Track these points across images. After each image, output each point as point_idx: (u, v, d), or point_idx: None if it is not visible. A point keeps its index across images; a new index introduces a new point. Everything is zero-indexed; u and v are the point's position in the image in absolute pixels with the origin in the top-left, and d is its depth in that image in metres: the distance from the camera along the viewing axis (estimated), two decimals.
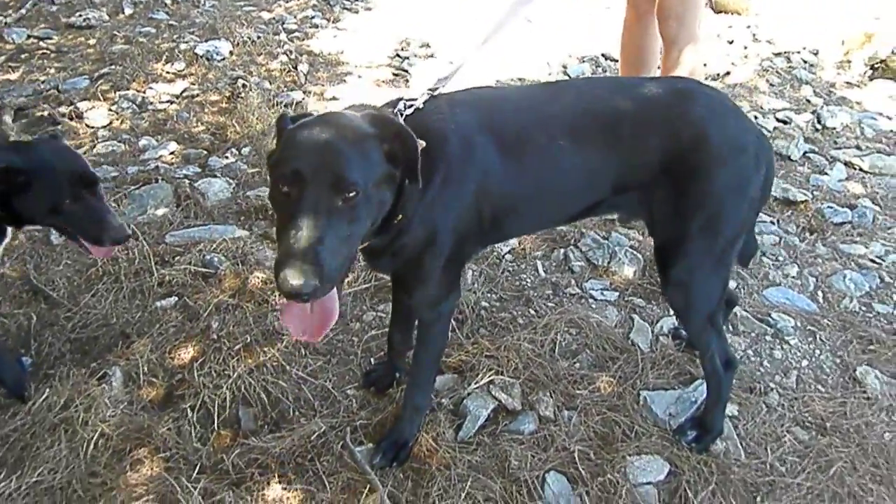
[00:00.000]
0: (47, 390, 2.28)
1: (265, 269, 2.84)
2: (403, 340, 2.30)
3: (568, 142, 1.81)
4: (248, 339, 2.51)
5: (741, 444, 2.20)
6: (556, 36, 5.50)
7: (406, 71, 4.79)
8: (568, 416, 2.26)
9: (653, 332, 2.59)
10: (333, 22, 5.60)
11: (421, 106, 1.78)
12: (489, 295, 2.75)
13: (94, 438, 2.14)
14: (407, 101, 1.78)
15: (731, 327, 2.61)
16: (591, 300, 2.73)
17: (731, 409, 2.30)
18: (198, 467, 2.09)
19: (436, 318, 1.99)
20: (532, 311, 2.66)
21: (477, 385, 2.32)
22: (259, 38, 5.10)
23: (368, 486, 2.01)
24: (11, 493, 1.99)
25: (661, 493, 2.06)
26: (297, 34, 5.28)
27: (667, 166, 1.84)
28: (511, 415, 2.26)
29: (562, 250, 2.95)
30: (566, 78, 4.71)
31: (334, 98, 4.32)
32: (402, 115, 1.74)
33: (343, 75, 4.66)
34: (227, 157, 3.70)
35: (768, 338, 2.60)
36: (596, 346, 2.51)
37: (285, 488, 2.03)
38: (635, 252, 2.91)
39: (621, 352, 2.49)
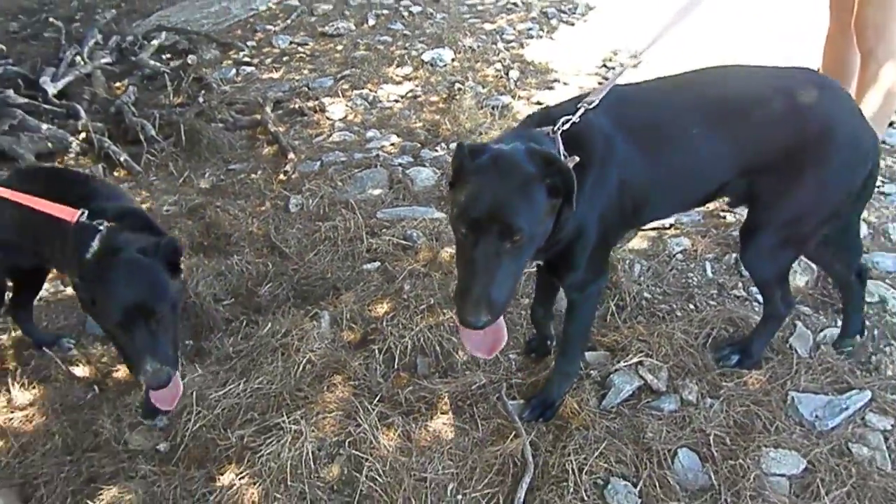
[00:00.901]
0: (271, 322, 2.85)
1: (454, 246, 3.24)
2: (545, 315, 2.58)
3: (701, 130, 1.98)
4: (432, 302, 2.90)
5: (889, 456, 2.19)
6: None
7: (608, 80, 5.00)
8: (710, 403, 2.38)
9: (814, 339, 2.60)
10: (549, 33, 5.95)
11: (577, 121, 1.93)
12: (653, 288, 2.91)
13: (303, 363, 2.66)
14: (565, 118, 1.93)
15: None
16: (754, 303, 2.79)
17: (884, 422, 2.28)
18: (378, 396, 2.51)
19: (584, 299, 2.23)
20: (692, 306, 2.78)
21: (626, 363, 2.52)
22: (479, 46, 5.59)
23: (514, 433, 2.31)
24: (239, 393, 2.55)
25: (792, 486, 2.13)
26: (513, 44, 5.69)
27: (789, 153, 1.99)
28: (654, 394, 2.43)
29: (734, 255, 3.02)
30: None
31: (539, 102, 4.65)
32: (559, 131, 1.91)
33: (550, 82, 4.98)
34: (436, 151, 4.18)
35: None
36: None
37: (445, 423, 2.39)
38: (809, 263, 2.91)
39: (777, 353, 2.55)
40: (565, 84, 4.95)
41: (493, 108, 4.58)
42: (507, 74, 5.03)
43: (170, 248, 2.13)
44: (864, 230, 3.03)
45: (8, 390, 2.69)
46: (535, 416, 2.37)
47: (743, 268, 2.81)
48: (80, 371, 2.80)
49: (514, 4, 6.44)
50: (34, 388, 2.70)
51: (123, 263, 2.06)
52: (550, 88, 4.90)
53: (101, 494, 2.24)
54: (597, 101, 1.97)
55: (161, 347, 2.04)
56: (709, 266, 3.00)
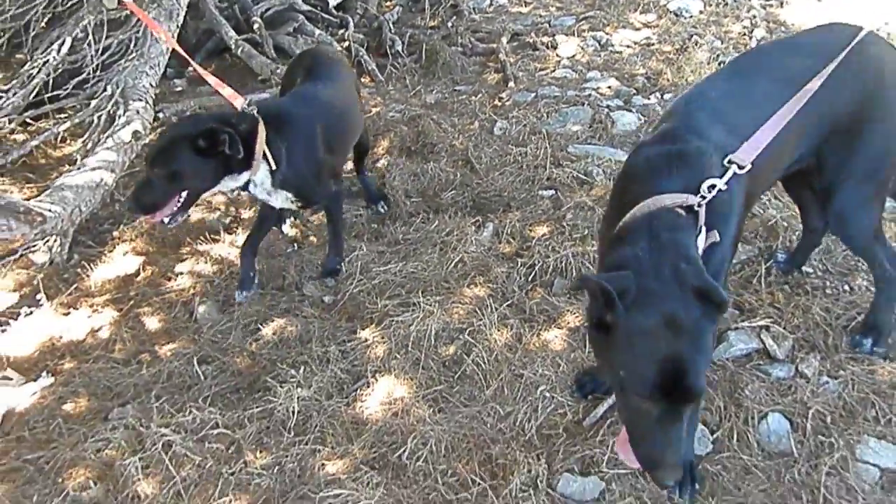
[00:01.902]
0: (439, 221, 3.22)
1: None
2: None
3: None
4: (586, 232, 3.07)
5: None
6: None
7: None
8: (825, 381, 2.31)
9: None
10: None
11: (724, 187, 1.71)
12: (816, 263, 2.79)
13: (456, 260, 3.01)
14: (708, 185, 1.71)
15: None
16: None
17: None
18: (508, 302, 2.78)
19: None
20: (847, 288, 2.64)
21: (750, 324, 2.51)
22: (734, 1, 5.33)
23: None
24: (395, 272, 2.97)
25: (883, 479, 2.05)
26: (772, 1, 5.34)
27: (854, 108, 2.02)
28: (769, 359, 2.41)
29: None
30: None
31: None
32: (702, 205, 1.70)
33: None
34: (649, 99, 4.20)
35: None
36: None
37: (556, 336, 2.61)
38: None
39: None
40: None
41: (722, 64, 4.43)
42: (751, 33, 4.78)
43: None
44: None
45: (236, 230, 3.39)
46: None
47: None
48: (288, 230, 3.41)
49: None
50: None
51: None
52: None
53: (272, 321, 2.82)
54: (748, 164, 1.76)
55: None
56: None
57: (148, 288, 3.09)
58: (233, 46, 5.26)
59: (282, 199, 2.81)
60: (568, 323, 2.66)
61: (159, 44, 3.94)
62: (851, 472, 2.06)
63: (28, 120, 4.19)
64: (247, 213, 3.56)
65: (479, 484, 2.12)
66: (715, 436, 2.20)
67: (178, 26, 4.06)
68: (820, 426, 2.18)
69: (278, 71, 4.78)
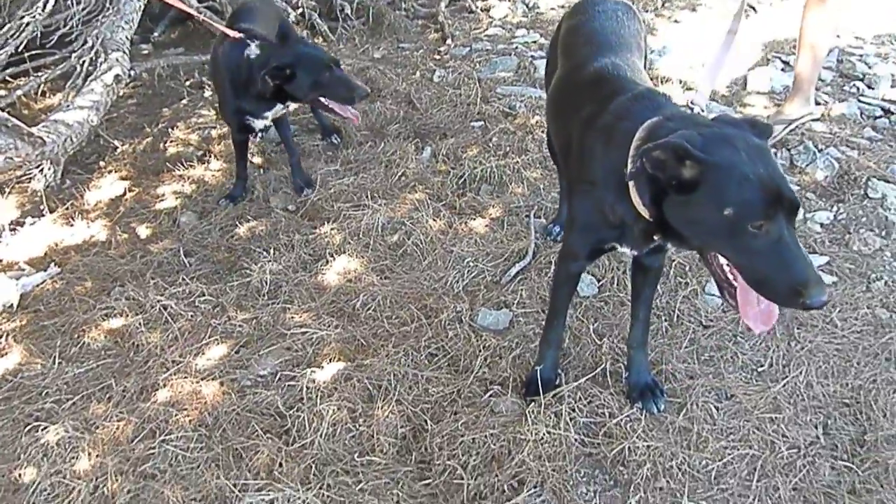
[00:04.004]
0: (384, 144, 3.79)
1: (535, 117, 3.94)
2: None
3: None
4: (508, 150, 3.67)
5: None
6: None
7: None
8: None
9: (805, 217, 3.03)
10: None
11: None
12: None
13: (399, 173, 3.58)
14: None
15: (883, 228, 2.91)
16: None
17: (827, 278, 2.73)
18: (442, 202, 3.36)
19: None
20: None
21: None
22: None
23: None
24: (349, 183, 3.53)
25: (723, 304, 2.69)
26: None
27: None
28: None
29: None
30: None
31: (678, 21, 5.08)
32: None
33: (697, 5, 5.35)
34: None
35: None
36: None
37: (481, 224, 3.21)
38: (832, 158, 3.26)
39: None
40: (709, 8, 5.29)
41: None
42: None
43: None
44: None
45: (208, 160, 3.91)
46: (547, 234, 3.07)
47: None
48: (257, 159, 3.94)
49: None
50: (226, 162, 3.89)
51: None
52: (693, 9, 5.27)
53: (246, 222, 3.36)
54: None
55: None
56: None
57: (136, 204, 3.59)
58: (195, 13, 5.74)
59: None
60: (490, 214, 3.26)
61: (132, 2, 4.41)
62: (699, 300, 2.71)
63: (7, 77, 4.64)
64: (217, 147, 4.07)
65: (416, 321, 2.71)
66: (601, 283, 2.82)
67: None
68: (679, 271, 2.83)
69: None
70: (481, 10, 5.57)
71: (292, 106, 3.43)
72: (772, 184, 1.53)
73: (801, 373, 2.40)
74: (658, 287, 2.39)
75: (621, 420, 2.25)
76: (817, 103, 3.64)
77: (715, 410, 2.29)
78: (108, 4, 4.40)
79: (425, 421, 2.31)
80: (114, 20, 4.29)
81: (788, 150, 3.41)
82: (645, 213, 1.77)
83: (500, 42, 5.03)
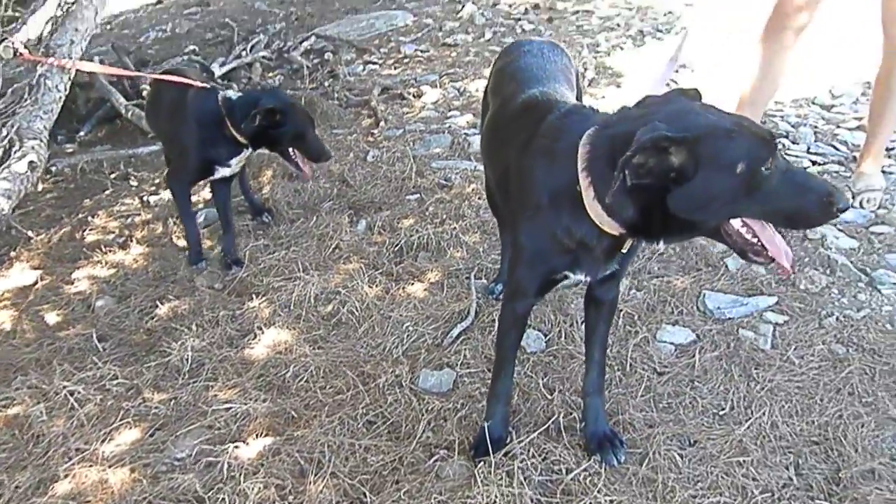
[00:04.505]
0: (317, 217, 3.66)
1: (480, 184, 3.88)
2: None
3: None
4: (445, 217, 3.57)
5: (771, 340, 2.55)
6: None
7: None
8: (633, 293, 2.85)
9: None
10: (638, 47, 6.43)
11: None
12: None
13: (332, 246, 3.42)
14: None
15: (827, 266, 2.86)
16: None
17: (778, 317, 2.64)
18: (378, 270, 3.21)
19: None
20: None
21: None
22: (572, 55, 6.21)
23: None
24: (279, 258, 3.35)
25: (676, 351, 2.56)
26: (601, 53, 6.26)
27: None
28: None
29: None
30: None
31: (604, 96, 5.21)
32: None
33: (620, 83, 5.51)
34: None
35: (861, 284, 2.79)
36: (689, 256, 3.01)
37: (420, 288, 3.05)
38: None
39: (709, 266, 2.96)
40: (632, 85, 5.46)
41: None
42: (584, 75, 5.60)
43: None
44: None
45: (129, 246, 3.69)
46: (494, 297, 2.93)
47: None
48: (180, 242, 3.74)
49: (617, 25, 7.00)
50: (149, 247, 3.68)
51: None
52: (618, 86, 5.43)
53: (167, 302, 3.12)
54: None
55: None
56: None
57: (47, 292, 3.33)
58: (123, 111, 5.66)
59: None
60: (429, 279, 3.11)
61: (52, 92, 4.28)
62: (651, 347, 2.57)
63: None
64: (139, 232, 3.87)
65: (352, 388, 2.48)
66: (548, 337, 2.67)
67: (69, 79, 4.42)
68: (628, 320, 2.70)
69: None
70: (414, 96, 5.62)
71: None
72: (747, 123, 1.54)
73: (763, 413, 2.25)
74: (608, 337, 2.25)
75: (579, 475, 2.05)
76: None
77: (679, 458, 2.10)
78: (26, 95, 4.27)
79: (364, 494, 2.06)
80: (31, 109, 4.14)
81: None
82: (611, 228, 1.66)
83: (434, 123, 5.04)
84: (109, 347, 2.88)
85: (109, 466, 2.22)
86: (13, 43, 4.10)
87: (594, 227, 1.69)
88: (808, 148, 3.92)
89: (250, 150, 3.31)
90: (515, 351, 2.16)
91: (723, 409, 2.30)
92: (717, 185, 1.51)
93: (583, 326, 2.63)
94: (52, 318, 3.13)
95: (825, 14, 3.35)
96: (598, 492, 1.98)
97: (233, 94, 3.24)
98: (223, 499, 2.04)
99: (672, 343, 2.59)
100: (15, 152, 3.87)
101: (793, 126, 4.23)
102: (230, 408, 2.41)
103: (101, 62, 6.59)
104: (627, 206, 1.60)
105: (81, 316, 3.13)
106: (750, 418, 2.24)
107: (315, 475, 2.11)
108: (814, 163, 3.75)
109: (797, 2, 3.11)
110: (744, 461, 2.08)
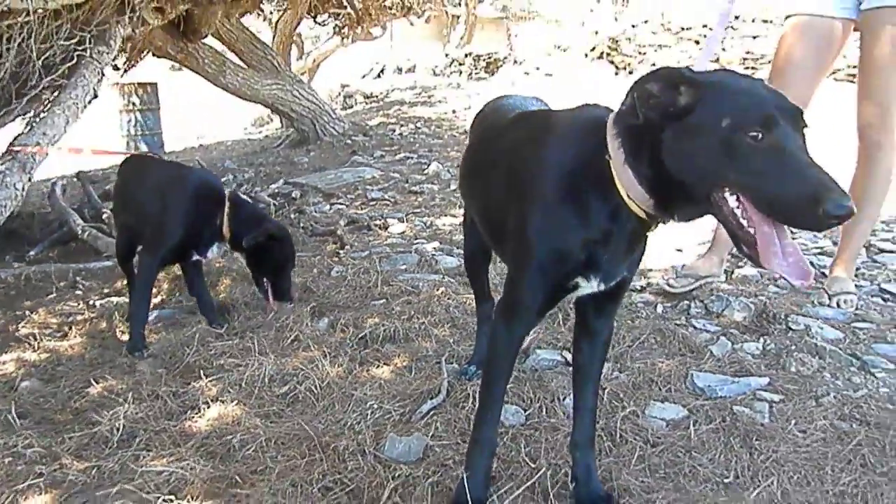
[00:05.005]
0: (277, 312, 3.44)
1: (440, 288, 3.75)
2: None
3: None
4: (412, 314, 3.38)
5: (769, 416, 2.35)
6: None
7: None
8: (615, 375, 2.65)
9: (732, 347, 2.83)
10: None
11: None
12: None
13: (291, 337, 3.18)
14: None
15: (816, 353, 2.73)
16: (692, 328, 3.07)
17: (773, 395, 2.46)
18: (342, 356, 2.96)
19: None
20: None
21: (554, 350, 2.86)
22: None
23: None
24: (232, 345, 3.09)
25: (669, 426, 2.33)
26: None
27: None
28: (568, 366, 2.73)
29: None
30: None
31: None
32: None
33: None
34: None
35: (853, 368, 2.65)
36: (672, 343, 2.86)
37: (386, 370, 2.80)
38: (747, 301, 3.18)
39: (693, 351, 2.80)
40: None
41: None
42: None
43: None
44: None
45: (67, 336, 3.39)
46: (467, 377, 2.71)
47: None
48: (124, 337, 3.45)
49: None
50: (90, 338, 3.38)
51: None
52: None
53: (102, 382, 2.80)
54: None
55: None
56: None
57: None
58: (79, 232, 5.51)
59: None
60: (396, 363, 2.87)
61: (8, 189, 4.14)
62: (641, 420, 2.34)
63: None
64: (81, 328, 3.57)
65: (307, 456, 2.17)
66: (528, 412, 2.42)
67: (30, 179, 4.30)
68: (613, 396, 2.48)
69: None
70: (380, 227, 5.61)
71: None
72: (768, 94, 1.43)
73: (772, 483, 2.01)
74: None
75: None
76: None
77: None
78: None
79: None
80: None
81: (701, 301, 3.31)
82: (637, 197, 1.55)
83: (400, 248, 4.99)
84: (29, 424, 2.52)
85: None
86: None
87: (620, 202, 1.58)
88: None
89: (227, 247, 3.45)
90: (505, 386, 1.91)
91: (726, 478, 2.05)
92: (699, 133, 1.43)
93: (564, 401, 2.44)
94: None
95: None
96: None
97: (241, 196, 3.54)
98: None
99: (663, 419, 2.37)
100: None
101: None
102: (163, 472, 2.07)
103: (64, 190, 6.54)
104: (642, 152, 1.51)
105: (1, 396, 2.77)
106: (758, 486, 1.99)
107: None
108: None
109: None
110: None
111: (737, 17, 12.51)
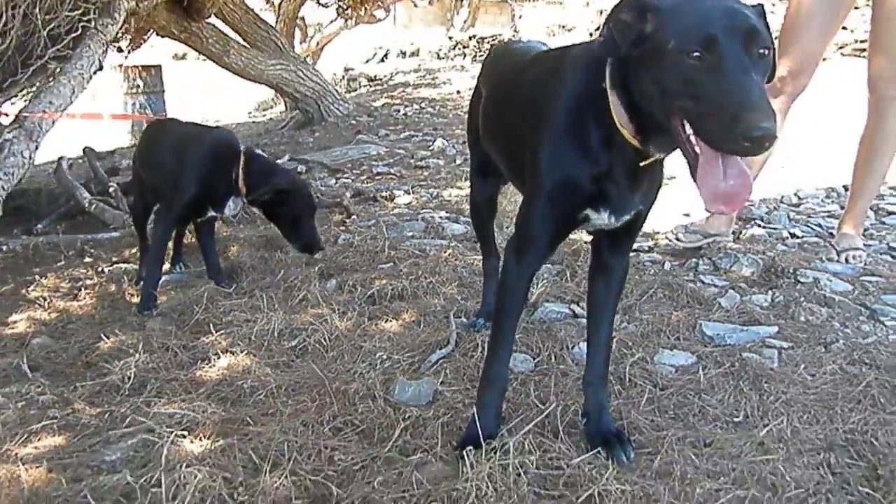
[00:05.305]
0: (285, 272, 3.45)
1: (447, 251, 3.75)
2: None
3: None
4: (420, 274, 3.39)
5: (778, 361, 2.35)
6: None
7: None
8: (624, 325, 2.65)
9: (741, 299, 2.83)
10: None
11: None
12: None
13: (301, 297, 3.19)
14: None
15: (825, 303, 2.72)
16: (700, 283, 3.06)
17: (782, 343, 2.46)
18: (349, 311, 2.97)
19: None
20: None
21: (562, 302, 2.86)
22: None
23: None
24: (241, 304, 3.10)
25: (678, 371, 2.33)
26: None
27: None
28: (576, 318, 2.74)
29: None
30: None
31: None
32: None
33: None
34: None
35: (862, 317, 2.65)
36: (680, 297, 2.86)
37: (395, 324, 2.81)
38: (755, 256, 3.17)
39: (701, 303, 2.80)
40: None
41: None
42: None
43: None
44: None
45: (76, 296, 3.41)
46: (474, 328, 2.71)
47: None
48: (134, 299, 3.47)
49: None
50: (99, 299, 3.40)
51: None
52: None
53: (112, 337, 2.81)
54: None
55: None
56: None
57: None
58: (86, 205, 5.52)
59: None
60: (404, 318, 2.88)
61: (16, 157, 4.15)
62: (650, 366, 2.34)
63: None
64: (90, 290, 3.59)
65: (317, 400, 2.18)
66: (537, 360, 2.43)
67: (37, 147, 4.31)
68: (622, 345, 2.48)
69: (130, 220, 5.06)
70: (386, 199, 5.61)
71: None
72: (718, 12, 1.40)
73: (782, 421, 2.00)
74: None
75: (584, 466, 1.76)
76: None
77: (694, 457, 1.83)
78: None
79: (329, 490, 1.73)
80: None
81: (709, 258, 3.31)
82: (627, 128, 1.58)
83: (406, 216, 4.99)
84: (40, 376, 2.54)
85: (23, 464, 1.84)
86: None
87: (616, 130, 1.59)
88: (784, 228, 3.91)
89: (244, 202, 3.48)
90: (515, 324, 1.92)
91: (736, 418, 2.05)
92: (653, 59, 1.46)
93: (573, 350, 2.44)
94: None
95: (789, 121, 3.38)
96: (607, 481, 1.68)
97: (256, 151, 3.50)
98: (158, 493, 1.69)
99: (672, 364, 2.37)
100: None
101: (766, 213, 4.26)
102: (175, 414, 2.08)
103: (71, 165, 6.55)
104: (616, 75, 1.57)
105: (12, 351, 2.79)
106: (768, 424, 1.99)
107: (271, 473, 1.77)
108: (793, 235, 3.73)
109: (793, 68, 3.13)
110: (769, 459, 1.82)
111: None
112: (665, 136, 1.53)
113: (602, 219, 1.75)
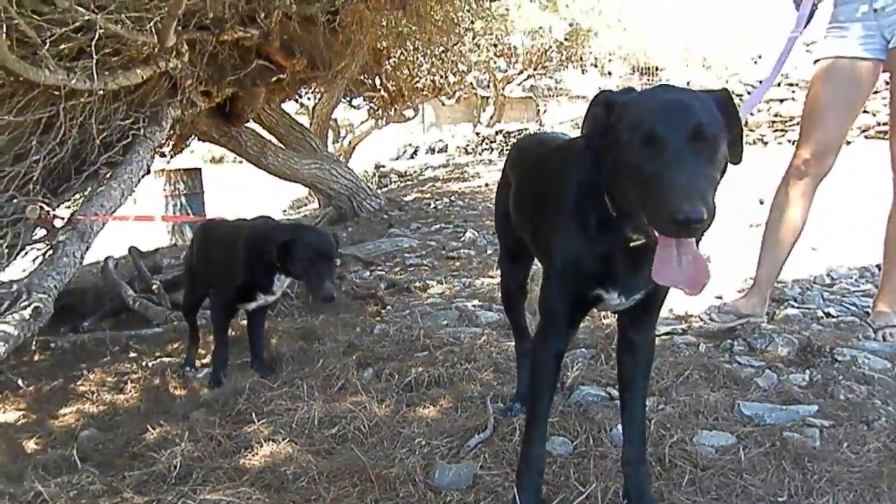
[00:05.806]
0: (323, 362, 3.52)
1: (482, 338, 3.80)
2: None
3: None
4: (455, 362, 3.44)
5: (820, 440, 2.33)
6: None
7: None
8: (661, 407, 2.66)
9: (778, 379, 2.82)
10: None
11: None
12: None
13: (339, 385, 3.25)
14: None
15: (864, 381, 2.70)
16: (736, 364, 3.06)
17: (823, 421, 2.44)
18: (387, 399, 3.02)
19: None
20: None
21: (598, 385, 2.88)
22: None
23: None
24: (282, 394, 3.17)
25: (718, 452, 2.32)
26: None
27: None
28: (612, 401, 2.75)
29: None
30: None
31: None
32: None
33: None
34: None
35: None
36: (716, 378, 2.86)
37: (433, 409, 2.84)
38: (790, 336, 3.17)
39: (738, 384, 2.80)
40: None
41: None
42: None
43: None
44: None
45: (122, 389, 3.51)
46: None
47: None
48: (177, 392, 3.56)
49: None
50: (145, 391, 3.49)
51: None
52: None
53: (157, 428, 2.89)
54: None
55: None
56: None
57: (29, 425, 3.09)
58: (130, 303, 5.72)
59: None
60: (441, 404, 2.92)
61: (68, 258, 4.36)
62: (689, 446, 2.34)
63: None
64: (136, 384, 3.69)
65: (359, 486, 2.21)
66: (575, 443, 2.44)
67: (87, 248, 4.53)
68: (660, 426, 2.48)
69: (173, 315, 5.24)
70: (420, 289, 5.72)
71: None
72: (665, 105, 1.52)
73: (827, 500, 1.99)
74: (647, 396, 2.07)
75: None
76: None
77: None
78: (42, 259, 4.34)
79: None
80: (45, 270, 4.19)
81: (744, 339, 3.31)
82: (615, 213, 1.70)
83: (440, 306, 5.07)
84: (90, 466, 2.61)
85: None
86: (40, 206, 4.30)
87: (611, 216, 1.70)
88: (819, 308, 3.91)
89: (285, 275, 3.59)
90: (549, 403, 1.97)
91: (780, 497, 2.04)
92: (610, 152, 1.61)
93: (611, 432, 2.46)
94: (30, 445, 2.88)
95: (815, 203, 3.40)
96: None
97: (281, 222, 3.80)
98: None
99: (711, 445, 2.36)
100: (21, 303, 3.85)
101: (800, 293, 4.27)
102: (220, 501, 2.13)
103: (116, 265, 6.81)
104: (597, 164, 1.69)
105: (62, 443, 2.88)
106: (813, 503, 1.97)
107: None
108: (827, 315, 3.73)
109: (816, 151, 3.21)
110: None
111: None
112: (638, 219, 1.62)
113: (613, 298, 1.84)
